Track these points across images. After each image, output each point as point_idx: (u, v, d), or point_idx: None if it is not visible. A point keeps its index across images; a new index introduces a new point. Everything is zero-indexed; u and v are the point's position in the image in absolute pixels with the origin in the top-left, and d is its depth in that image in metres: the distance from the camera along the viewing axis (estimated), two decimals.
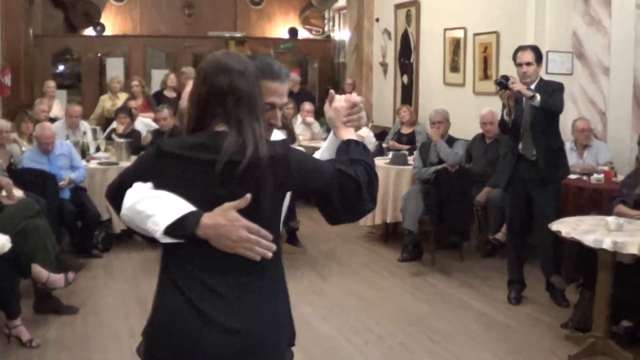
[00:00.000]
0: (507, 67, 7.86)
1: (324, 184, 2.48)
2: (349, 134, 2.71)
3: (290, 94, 12.47)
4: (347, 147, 2.63)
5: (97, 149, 9.30)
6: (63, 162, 8.00)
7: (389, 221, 8.70)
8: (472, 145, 8.70)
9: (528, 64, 6.39)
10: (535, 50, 6.54)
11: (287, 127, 10.69)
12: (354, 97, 2.76)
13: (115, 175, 2.79)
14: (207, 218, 2.34)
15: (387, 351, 5.62)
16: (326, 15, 16.33)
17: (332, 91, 2.80)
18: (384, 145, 10.50)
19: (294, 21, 16.40)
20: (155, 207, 2.37)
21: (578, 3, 8.47)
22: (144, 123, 10.36)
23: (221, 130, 2.43)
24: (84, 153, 8.85)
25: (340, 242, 9.04)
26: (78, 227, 8.04)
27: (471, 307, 6.67)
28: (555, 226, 5.56)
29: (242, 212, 2.35)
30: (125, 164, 8.65)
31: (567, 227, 5.45)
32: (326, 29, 16.22)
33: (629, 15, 8.00)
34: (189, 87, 11.85)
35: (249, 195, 2.34)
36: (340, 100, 2.76)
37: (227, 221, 2.34)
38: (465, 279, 7.49)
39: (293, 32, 16.12)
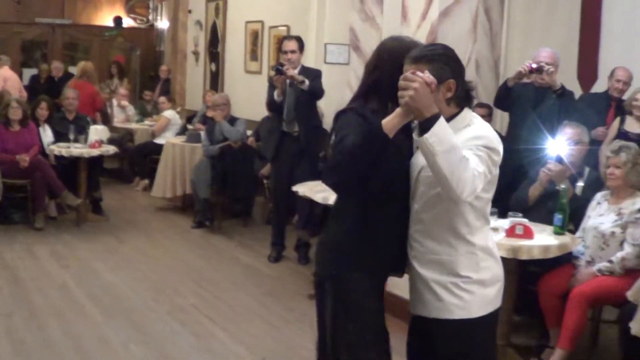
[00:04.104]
0: None
1: None
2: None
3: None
4: None
5: None
6: None
7: (187, 192, 9.48)
8: (261, 125, 9.47)
9: (292, 51, 7.34)
10: (299, 40, 7.53)
11: (103, 110, 11.54)
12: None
13: None
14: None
15: (157, 293, 6.60)
16: (151, 4, 16.95)
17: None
18: (190, 126, 11.03)
19: (119, 10, 16.95)
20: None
21: (355, 1, 9.46)
22: None
23: None
24: None
25: (142, 212, 9.84)
26: None
27: (241, 262, 7.72)
28: (295, 187, 6.59)
29: None
30: None
31: (305, 188, 6.49)
32: (151, 17, 16.85)
33: (397, 13, 9.23)
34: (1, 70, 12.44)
35: None
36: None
37: None
38: (244, 241, 8.53)
39: (118, 20, 16.70)
